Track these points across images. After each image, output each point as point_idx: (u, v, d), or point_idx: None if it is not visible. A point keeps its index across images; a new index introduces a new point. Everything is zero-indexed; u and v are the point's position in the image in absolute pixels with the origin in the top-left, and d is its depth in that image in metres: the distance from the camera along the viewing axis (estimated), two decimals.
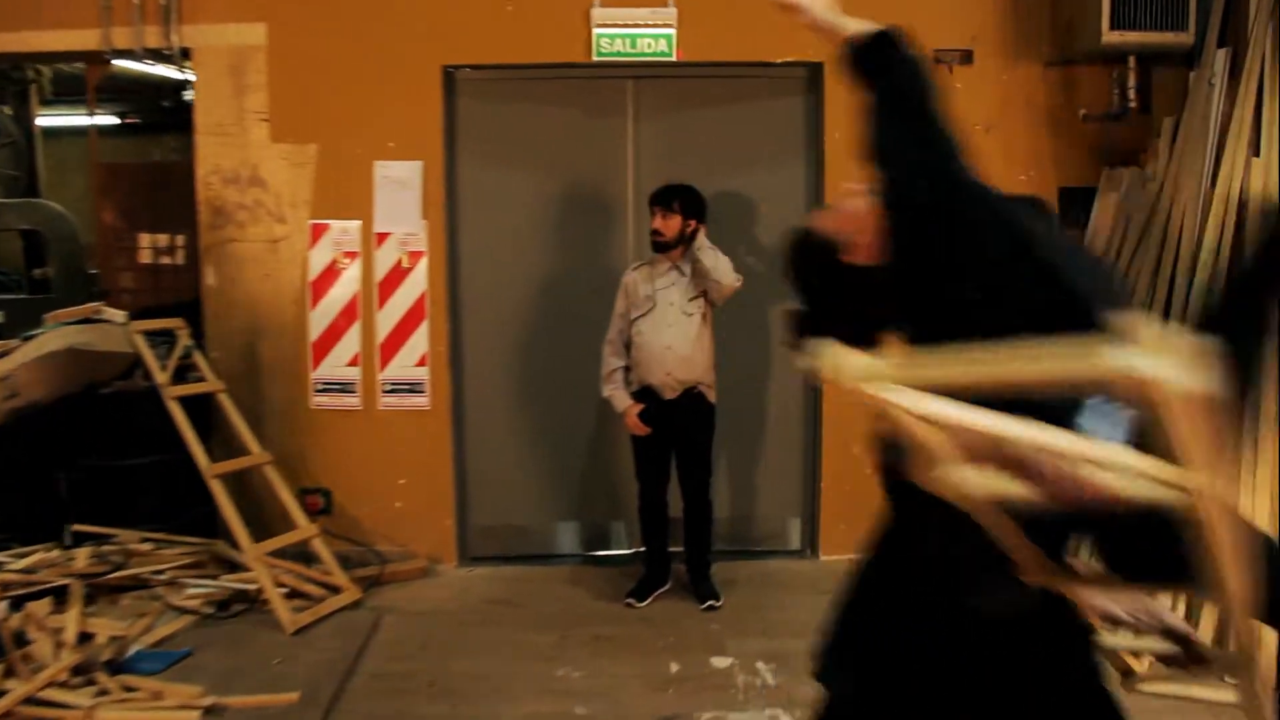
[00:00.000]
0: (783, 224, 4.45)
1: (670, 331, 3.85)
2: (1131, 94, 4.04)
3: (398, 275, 4.37)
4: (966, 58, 4.31)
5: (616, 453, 4.43)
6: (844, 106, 4.31)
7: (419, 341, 4.38)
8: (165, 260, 4.89)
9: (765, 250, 4.44)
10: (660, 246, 3.87)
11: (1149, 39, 3.87)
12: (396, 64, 4.30)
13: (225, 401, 4.23)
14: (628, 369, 3.97)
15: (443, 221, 4.37)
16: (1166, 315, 3.77)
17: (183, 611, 3.86)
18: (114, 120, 6.46)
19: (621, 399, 3.93)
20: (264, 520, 4.28)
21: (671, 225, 3.84)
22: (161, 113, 5.55)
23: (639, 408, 3.89)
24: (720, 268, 3.81)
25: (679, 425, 3.91)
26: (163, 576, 4.02)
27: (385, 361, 4.39)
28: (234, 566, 4.17)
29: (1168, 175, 3.98)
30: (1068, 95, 4.33)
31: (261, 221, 4.40)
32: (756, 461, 4.54)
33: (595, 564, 4.53)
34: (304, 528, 4.15)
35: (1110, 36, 3.85)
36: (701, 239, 3.83)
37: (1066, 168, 4.35)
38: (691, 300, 3.88)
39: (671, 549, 4.12)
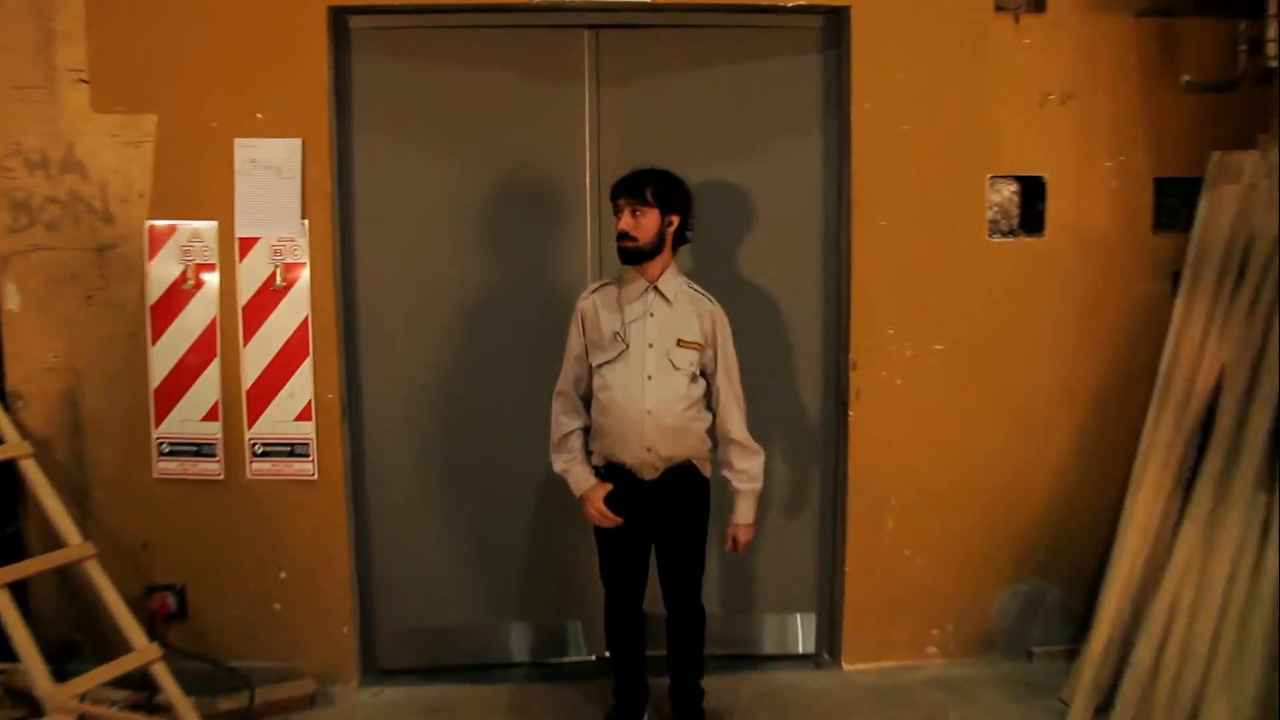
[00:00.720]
0: (793, 225, 3.39)
1: (652, 388, 2.72)
2: (1272, 49, 2.98)
3: (270, 296, 3.19)
4: (1037, 4, 3.24)
5: (572, 533, 3.32)
6: (877, 66, 3.23)
7: (301, 387, 3.21)
8: None
9: (769, 261, 3.35)
10: (632, 255, 2.74)
11: None
12: (267, 3, 3.11)
13: (32, 471, 3.03)
14: (588, 430, 2.86)
15: (331, 222, 3.20)
16: None
17: None
18: None
19: (581, 476, 2.81)
20: (102, 633, 3.15)
21: (646, 224, 2.72)
22: None
23: (606, 489, 2.77)
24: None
25: (662, 510, 2.80)
26: None
27: (255, 414, 3.22)
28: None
29: None
30: (1168, 55, 3.28)
31: (81, 221, 3.19)
32: (759, 539, 3.43)
33: (546, 676, 3.41)
34: (141, 650, 2.98)
35: None
36: (738, 429, 2.84)
37: (1164, 151, 3.31)
38: (681, 345, 2.76)
39: (648, 653, 3.02)
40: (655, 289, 2.77)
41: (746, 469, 2.86)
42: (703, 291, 2.83)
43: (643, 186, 2.71)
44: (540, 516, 3.41)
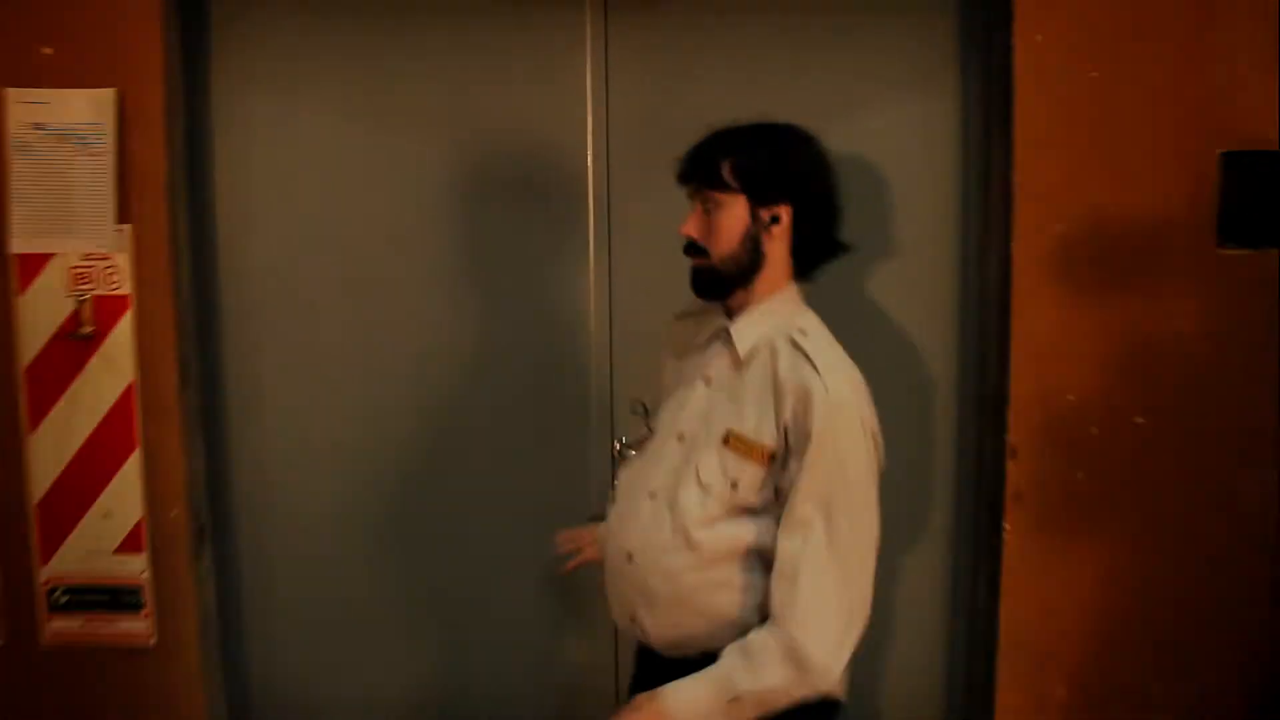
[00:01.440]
0: (910, 230, 2.18)
1: (647, 517, 1.52)
2: None
3: (71, 351, 1.97)
4: None
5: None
6: None
7: (124, 499, 1.99)
8: None
9: (871, 283, 2.17)
10: (704, 282, 1.54)
11: None
12: None
13: None
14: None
15: (169, 228, 1.98)
16: None
17: None
18: None
19: None
20: None
21: (725, 225, 1.50)
22: None
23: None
24: None
25: None
26: None
27: (53, 544, 2.00)
28: None
29: None
30: None
31: None
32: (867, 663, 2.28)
33: None
34: None
35: None
36: (816, 637, 1.38)
37: None
38: (731, 446, 1.49)
39: None
40: (727, 335, 1.56)
41: (777, 674, 1.39)
42: (813, 352, 1.49)
43: (716, 159, 1.50)
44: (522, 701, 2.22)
